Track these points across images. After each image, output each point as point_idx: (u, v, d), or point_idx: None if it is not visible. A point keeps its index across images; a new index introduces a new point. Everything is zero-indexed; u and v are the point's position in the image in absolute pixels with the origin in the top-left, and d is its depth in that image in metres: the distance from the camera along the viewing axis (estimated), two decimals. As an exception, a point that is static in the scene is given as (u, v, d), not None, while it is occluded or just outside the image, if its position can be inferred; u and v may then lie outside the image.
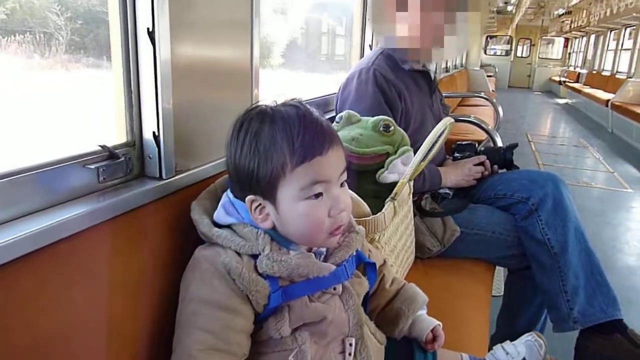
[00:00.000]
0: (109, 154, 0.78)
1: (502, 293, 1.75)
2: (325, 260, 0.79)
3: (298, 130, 0.71)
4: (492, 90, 7.83)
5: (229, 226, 0.77)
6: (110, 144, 0.79)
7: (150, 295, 0.80)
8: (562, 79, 14.85)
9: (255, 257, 0.73)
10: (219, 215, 0.78)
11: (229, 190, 0.80)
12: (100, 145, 0.78)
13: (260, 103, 0.77)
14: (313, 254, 0.78)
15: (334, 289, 0.79)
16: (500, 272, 2.15)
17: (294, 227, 0.74)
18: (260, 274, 0.72)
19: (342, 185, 0.76)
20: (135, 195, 0.77)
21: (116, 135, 0.84)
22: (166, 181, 0.84)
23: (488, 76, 8.48)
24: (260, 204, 0.74)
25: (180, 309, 0.73)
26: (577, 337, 1.41)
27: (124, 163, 0.81)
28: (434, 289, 1.09)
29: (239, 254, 0.73)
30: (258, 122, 0.73)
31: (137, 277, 0.78)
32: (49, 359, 0.63)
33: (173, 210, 0.85)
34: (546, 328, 1.60)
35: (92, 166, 0.75)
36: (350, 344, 0.78)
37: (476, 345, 1.12)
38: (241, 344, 0.72)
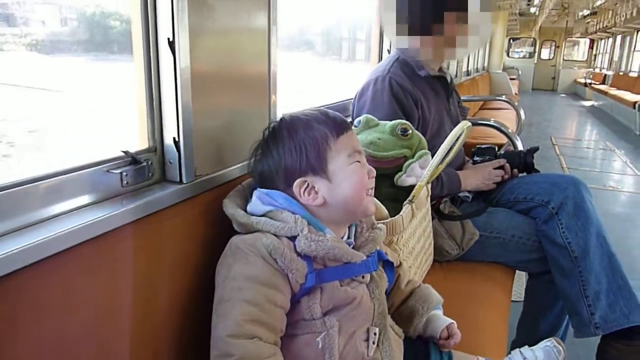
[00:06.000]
0: (132, 159, 0.81)
1: (522, 298, 1.73)
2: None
3: (325, 116, 0.85)
4: (515, 93, 7.71)
5: (263, 215, 0.81)
6: (132, 149, 0.82)
7: (173, 291, 0.84)
8: (588, 81, 14.54)
9: (292, 239, 0.78)
10: (254, 206, 0.83)
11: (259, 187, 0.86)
12: (123, 151, 0.81)
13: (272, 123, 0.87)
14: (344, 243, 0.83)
15: (363, 277, 0.84)
16: (522, 277, 2.12)
17: (346, 189, 0.82)
18: (298, 255, 0.77)
19: None
20: (157, 199, 0.80)
21: (138, 141, 0.87)
22: (186, 185, 0.86)
23: (511, 79, 8.36)
24: (308, 185, 0.81)
25: (223, 287, 0.76)
26: (598, 343, 1.38)
27: (145, 168, 0.84)
28: (453, 293, 1.09)
29: (277, 237, 0.78)
30: (284, 128, 0.84)
31: (158, 276, 0.81)
32: (79, 350, 0.67)
33: (193, 213, 0.88)
34: (568, 334, 1.58)
35: (116, 171, 0.78)
36: (375, 333, 0.82)
37: (494, 349, 1.11)
38: (280, 319, 0.76)
